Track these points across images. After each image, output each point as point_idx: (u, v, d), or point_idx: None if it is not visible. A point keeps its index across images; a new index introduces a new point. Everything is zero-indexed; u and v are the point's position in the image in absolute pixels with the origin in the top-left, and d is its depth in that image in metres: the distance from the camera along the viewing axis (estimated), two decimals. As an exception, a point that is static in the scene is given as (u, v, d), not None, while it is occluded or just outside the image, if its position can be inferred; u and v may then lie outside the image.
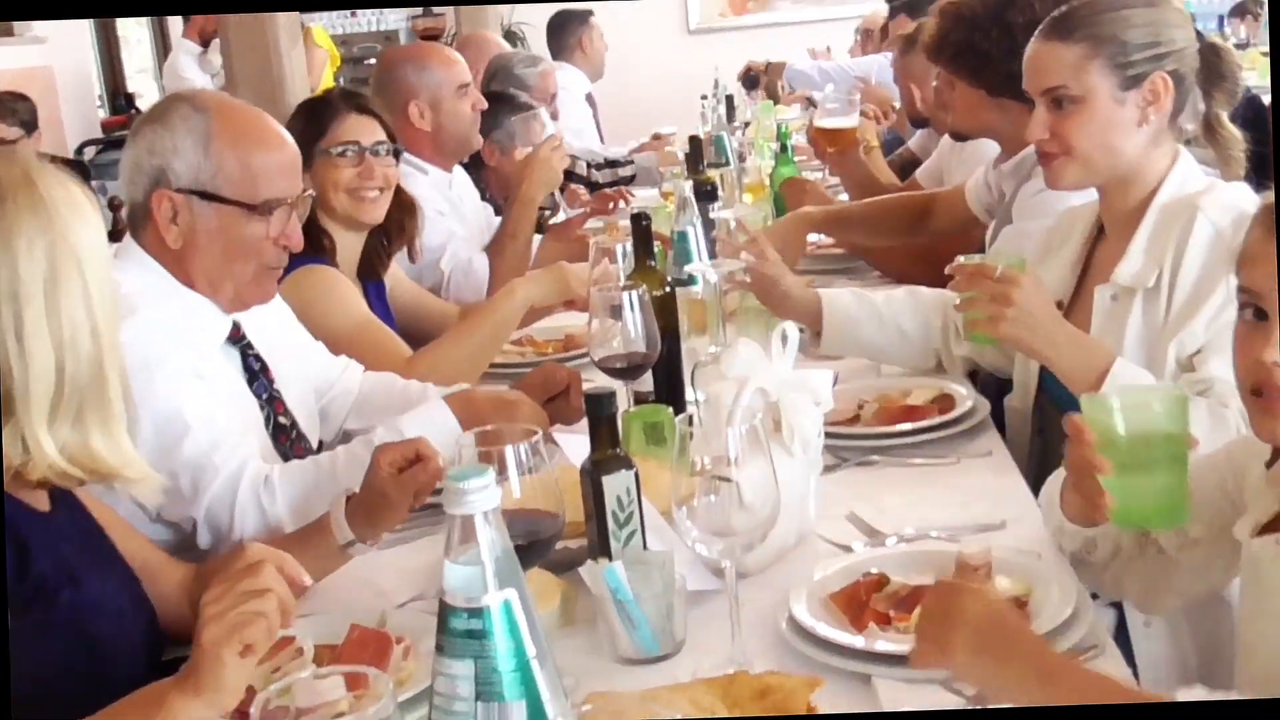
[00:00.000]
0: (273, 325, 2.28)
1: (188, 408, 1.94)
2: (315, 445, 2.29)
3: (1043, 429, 2.22)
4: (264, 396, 2.18)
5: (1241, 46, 7.93)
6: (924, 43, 2.97)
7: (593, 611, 1.65)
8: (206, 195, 2.01)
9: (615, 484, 1.68)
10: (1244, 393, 1.42)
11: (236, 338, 2.15)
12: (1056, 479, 1.69)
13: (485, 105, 3.67)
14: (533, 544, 1.50)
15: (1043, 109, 2.11)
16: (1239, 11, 8.28)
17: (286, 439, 2.21)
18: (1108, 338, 2.08)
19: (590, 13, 6.23)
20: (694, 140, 3.74)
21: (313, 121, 2.79)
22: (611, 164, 5.02)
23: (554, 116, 4.97)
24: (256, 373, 2.18)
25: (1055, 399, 2.16)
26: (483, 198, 3.98)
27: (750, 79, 6.71)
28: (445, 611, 1.03)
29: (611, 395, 1.68)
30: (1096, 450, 1.49)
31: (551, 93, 4.95)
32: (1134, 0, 2.11)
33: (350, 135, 2.80)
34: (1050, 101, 2.10)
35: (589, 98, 6.09)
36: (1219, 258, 1.97)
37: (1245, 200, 2.02)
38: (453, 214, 3.61)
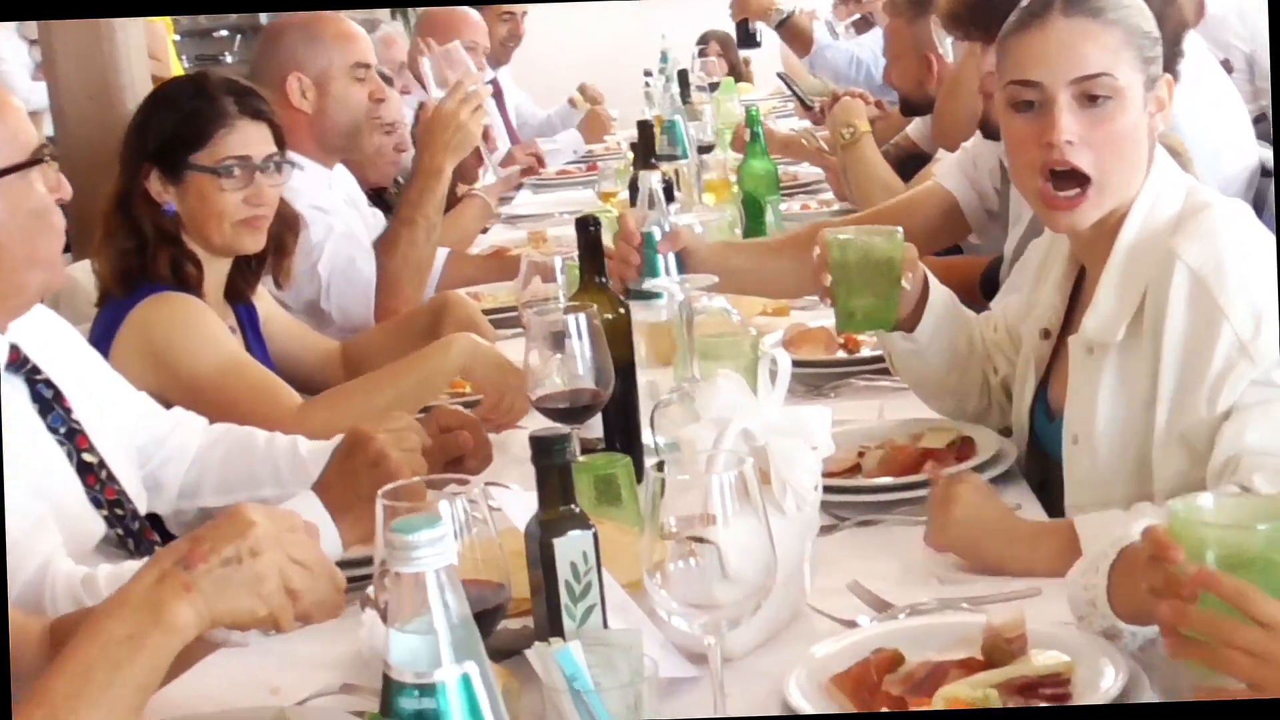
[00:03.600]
0: (61, 352, 2.33)
1: None
2: (142, 513, 2.34)
3: (1043, 484, 2.34)
4: (62, 430, 2.23)
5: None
6: None
7: (542, 706, 1.72)
8: None
9: (569, 547, 1.75)
10: None
11: (17, 362, 2.20)
12: (1097, 569, 1.77)
13: (385, 96, 3.75)
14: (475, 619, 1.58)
15: (1072, 102, 2.13)
16: None
17: (95, 480, 2.25)
18: (1082, 394, 2.20)
19: None
20: (644, 127, 3.84)
21: (190, 125, 2.82)
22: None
23: (403, 92, 5.05)
24: (49, 401, 2.23)
25: (1050, 450, 2.30)
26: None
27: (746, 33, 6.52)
28: (391, 689, 1.12)
29: (564, 438, 1.76)
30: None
31: (399, 61, 5.03)
32: None
33: (241, 149, 2.82)
34: (1080, 96, 2.13)
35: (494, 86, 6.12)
36: (1206, 310, 2.06)
37: (1228, 227, 2.13)
38: (334, 213, 3.67)
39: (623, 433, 2.38)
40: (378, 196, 4.27)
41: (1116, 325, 2.15)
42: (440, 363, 2.73)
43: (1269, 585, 1.46)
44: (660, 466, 1.64)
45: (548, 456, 1.76)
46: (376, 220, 3.98)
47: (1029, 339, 2.41)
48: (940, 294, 2.45)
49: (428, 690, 1.11)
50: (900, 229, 2.39)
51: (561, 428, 1.82)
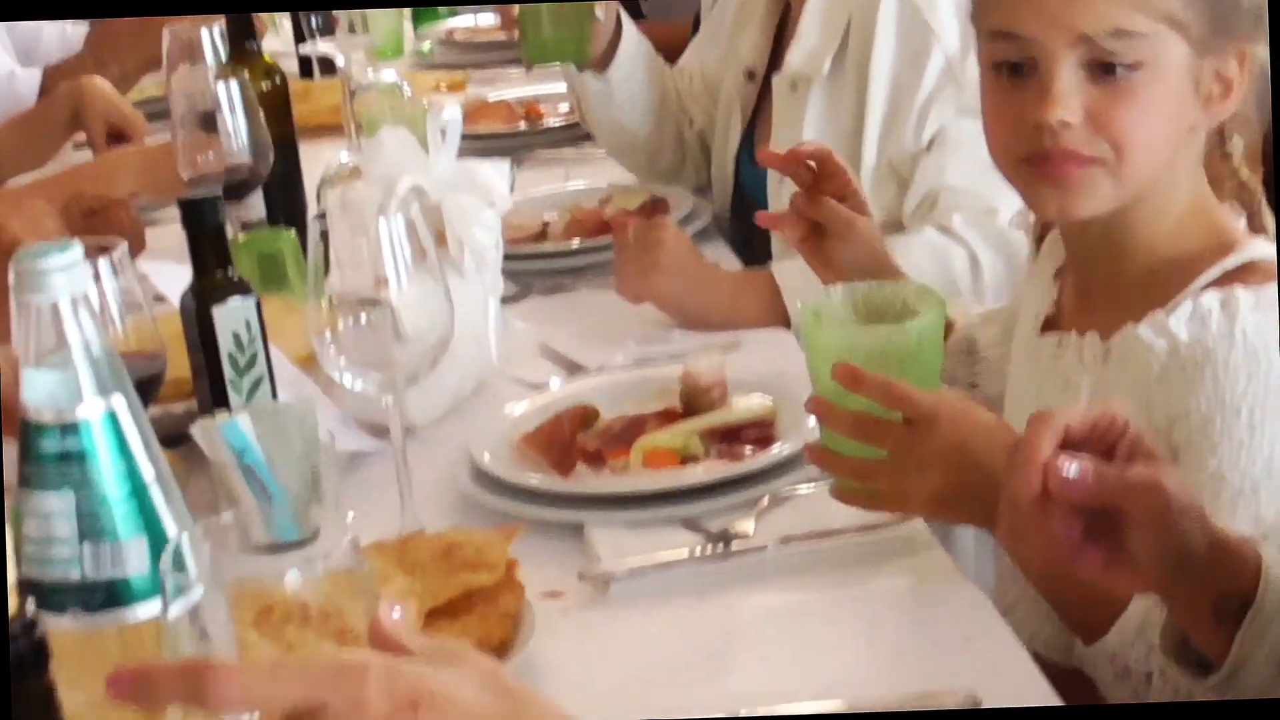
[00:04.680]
0: None
1: None
2: None
3: (748, 239, 2.39)
4: None
5: None
6: None
7: (211, 492, 1.71)
8: None
9: (230, 316, 1.72)
10: (1011, 164, 1.55)
11: None
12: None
13: None
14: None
15: None
16: None
17: None
18: (786, 133, 2.25)
19: None
20: None
21: None
22: None
23: None
24: None
25: (756, 199, 2.35)
26: None
27: None
28: (30, 432, 1.08)
29: (214, 199, 1.72)
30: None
31: None
32: None
33: None
34: None
35: None
36: (917, 31, 2.15)
37: None
38: None
39: (287, 210, 2.33)
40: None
41: (821, 57, 2.21)
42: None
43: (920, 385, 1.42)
44: (323, 218, 1.62)
45: (198, 220, 1.72)
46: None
47: (732, 83, 2.45)
48: (633, 34, 2.46)
49: (70, 429, 1.07)
50: None
51: (211, 189, 1.78)
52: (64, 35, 3.68)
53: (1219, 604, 1.16)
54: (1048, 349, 1.61)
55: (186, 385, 1.81)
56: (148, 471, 1.10)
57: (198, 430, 1.67)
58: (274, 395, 1.78)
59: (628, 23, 2.44)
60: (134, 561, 1.10)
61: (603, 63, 2.43)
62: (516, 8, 2.38)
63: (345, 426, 1.80)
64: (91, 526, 1.09)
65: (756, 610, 1.51)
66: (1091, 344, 1.55)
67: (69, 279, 1.08)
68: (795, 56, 2.24)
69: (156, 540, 1.10)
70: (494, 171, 1.97)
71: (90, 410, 1.08)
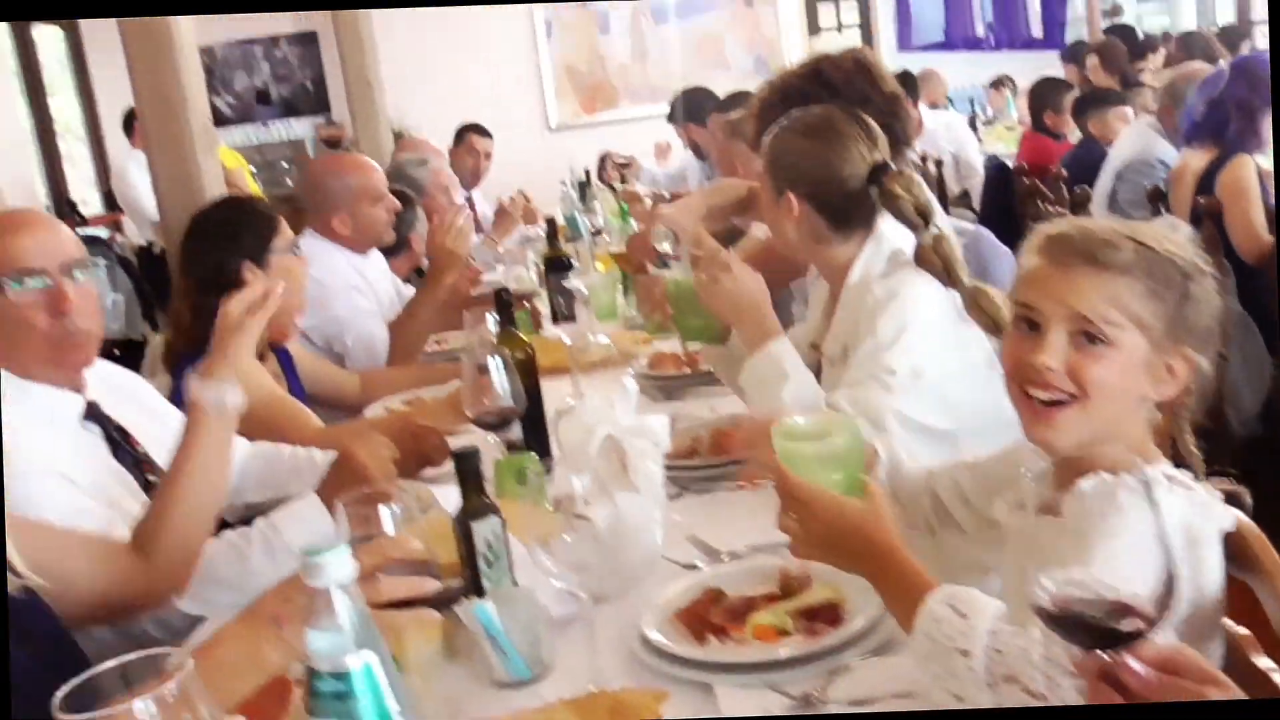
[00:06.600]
0: (131, 400, 2.12)
1: (49, 509, 1.75)
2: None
3: None
4: (129, 461, 2.02)
5: (989, 123, 8.06)
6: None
7: (472, 643, 1.55)
8: None
9: (483, 530, 1.59)
10: (1016, 394, 1.38)
11: (94, 414, 1.98)
12: None
13: (399, 207, 3.51)
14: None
15: None
16: (995, 84, 8.33)
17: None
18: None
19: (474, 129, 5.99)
20: (550, 221, 3.67)
21: (260, 227, 2.58)
22: None
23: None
24: (119, 442, 2.01)
25: None
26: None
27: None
28: (312, 676, 0.93)
29: (475, 451, 1.60)
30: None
31: (444, 185, 4.73)
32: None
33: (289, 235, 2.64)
34: None
35: (468, 200, 5.79)
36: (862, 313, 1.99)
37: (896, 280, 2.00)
38: (367, 290, 3.43)
39: (534, 434, 2.19)
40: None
41: (836, 346, 2.07)
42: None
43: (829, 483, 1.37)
44: (544, 467, 1.47)
45: (465, 465, 1.59)
46: (402, 292, 3.69)
47: (807, 354, 2.24)
48: None
49: (340, 676, 0.92)
50: None
51: (472, 444, 1.65)
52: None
53: None
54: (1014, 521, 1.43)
55: (459, 568, 1.65)
56: (393, 707, 0.94)
57: (460, 610, 1.52)
58: (513, 580, 1.62)
59: None
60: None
61: (727, 338, 2.26)
62: (668, 306, 2.23)
63: (560, 596, 1.63)
64: (353, 746, 0.92)
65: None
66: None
67: (338, 570, 0.93)
68: (826, 346, 2.07)
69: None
70: (659, 423, 1.81)
71: (353, 663, 0.93)
